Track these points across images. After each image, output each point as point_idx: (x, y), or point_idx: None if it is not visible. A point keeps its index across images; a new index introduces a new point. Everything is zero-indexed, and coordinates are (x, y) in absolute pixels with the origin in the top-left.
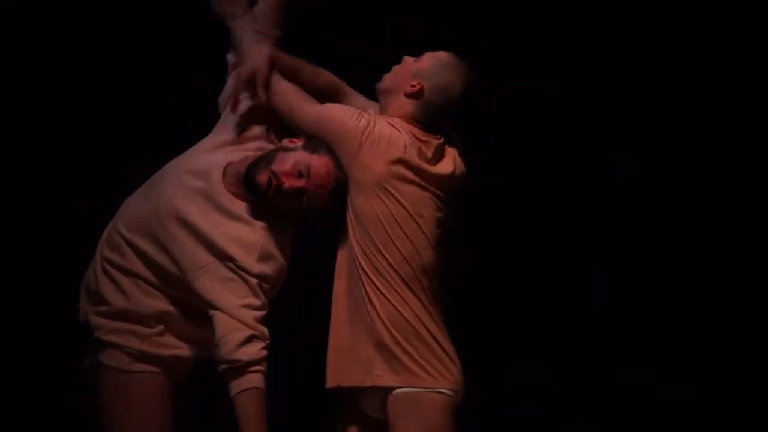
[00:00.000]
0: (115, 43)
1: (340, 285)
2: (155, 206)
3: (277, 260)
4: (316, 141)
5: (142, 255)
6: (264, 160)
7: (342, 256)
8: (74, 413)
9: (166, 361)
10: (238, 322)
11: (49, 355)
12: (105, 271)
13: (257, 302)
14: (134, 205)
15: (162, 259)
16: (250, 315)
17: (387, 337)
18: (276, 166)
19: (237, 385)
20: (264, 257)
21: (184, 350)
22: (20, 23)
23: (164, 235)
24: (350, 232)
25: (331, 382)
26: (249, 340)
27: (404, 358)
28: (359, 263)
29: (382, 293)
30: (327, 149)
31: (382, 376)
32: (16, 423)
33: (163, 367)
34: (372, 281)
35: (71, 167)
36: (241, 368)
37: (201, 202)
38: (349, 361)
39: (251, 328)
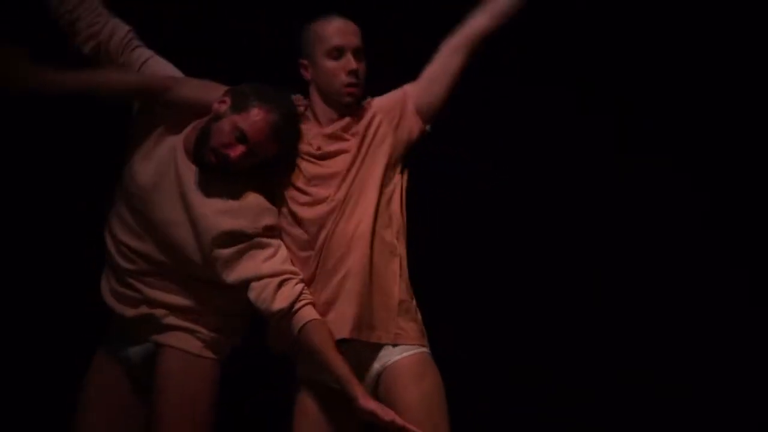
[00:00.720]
0: None
1: (363, 244)
2: (147, 229)
3: (271, 209)
4: (240, 95)
5: (164, 265)
6: (203, 138)
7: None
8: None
9: (224, 348)
10: (266, 277)
11: (50, 355)
12: (144, 283)
13: (271, 250)
14: (128, 231)
15: (182, 267)
16: (271, 264)
17: (407, 298)
18: (214, 142)
19: (294, 328)
20: (259, 212)
21: (234, 338)
22: (21, 23)
23: (171, 247)
24: (390, 195)
25: (350, 333)
26: (280, 285)
27: (418, 318)
28: (400, 224)
29: (403, 258)
30: (255, 99)
31: (400, 333)
32: (18, 423)
33: (221, 354)
34: (403, 246)
35: (71, 167)
36: (287, 312)
37: (179, 200)
38: (363, 318)
39: (277, 274)
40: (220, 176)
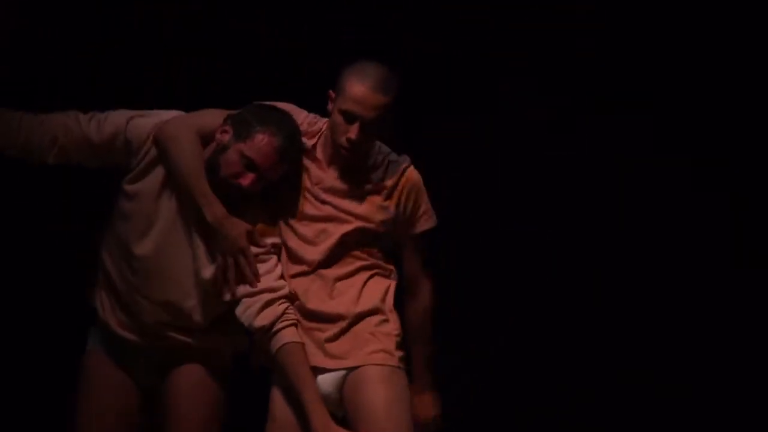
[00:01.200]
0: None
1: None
2: (150, 294)
3: (274, 228)
4: (241, 123)
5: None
6: (212, 170)
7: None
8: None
9: (231, 357)
10: (257, 294)
11: (49, 355)
12: (154, 329)
13: (269, 266)
14: (131, 291)
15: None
16: (265, 280)
17: (388, 320)
18: (224, 172)
19: (272, 348)
20: (264, 235)
21: (238, 349)
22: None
23: (173, 306)
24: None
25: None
26: (266, 304)
27: (397, 340)
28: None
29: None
30: (257, 124)
31: (374, 356)
32: (18, 423)
33: (230, 362)
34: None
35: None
36: (268, 330)
37: (188, 242)
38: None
39: (267, 291)
40: (229, 202)
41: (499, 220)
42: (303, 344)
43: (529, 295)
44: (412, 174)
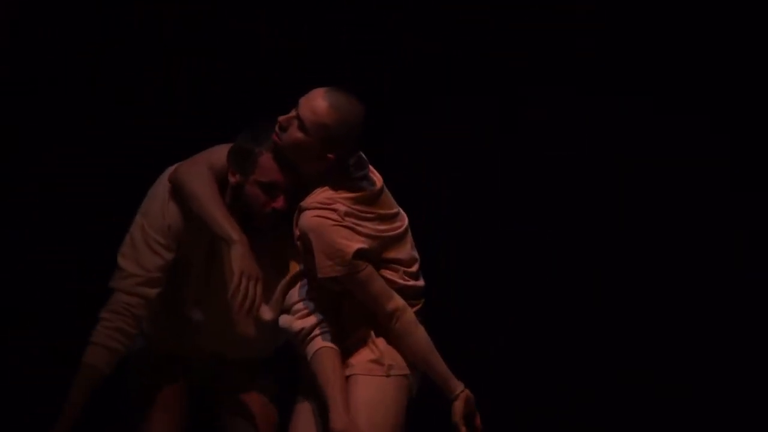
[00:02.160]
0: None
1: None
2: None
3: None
4: (241, 157)
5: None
6: (241, 209)
7: None
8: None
9: None
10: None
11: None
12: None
13: (305, 281)
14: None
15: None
16: (302, 292)
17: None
18: (255, 209)
19: (308, 353)
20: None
21: None
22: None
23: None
24: None
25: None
26: (310, 312)
27: (378, 350)
28: None
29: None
30: (254, 147)
31: (367, 363)
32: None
33: None
34: None
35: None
36: (306, 336)
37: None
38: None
39: (308, 300)
40: (269, 238)
41: (499, 220)
42: (338, 351)
43: (529, 295)
44: (302, 222)
